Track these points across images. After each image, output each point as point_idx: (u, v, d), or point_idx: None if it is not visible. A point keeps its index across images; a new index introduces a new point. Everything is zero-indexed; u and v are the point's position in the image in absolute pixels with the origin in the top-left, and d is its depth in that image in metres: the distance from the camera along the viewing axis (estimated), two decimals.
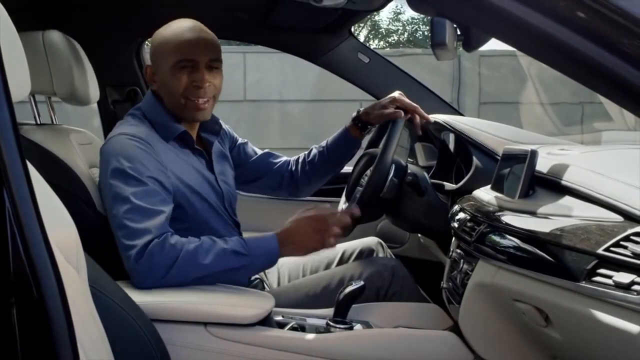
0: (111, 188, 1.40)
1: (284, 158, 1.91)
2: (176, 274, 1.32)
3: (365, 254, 1.84)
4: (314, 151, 1.87)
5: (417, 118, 1.74)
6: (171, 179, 1.46)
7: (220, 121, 1.69)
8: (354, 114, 1.81)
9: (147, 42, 2.39)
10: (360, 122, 1.80)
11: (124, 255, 1.36)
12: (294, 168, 1.88)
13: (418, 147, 2.13)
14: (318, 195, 1.94)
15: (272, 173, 1.87)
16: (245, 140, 1.88)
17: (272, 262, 1.44)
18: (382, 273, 1.64)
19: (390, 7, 14.07)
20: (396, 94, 1.74)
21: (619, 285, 0.85)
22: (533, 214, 1.13)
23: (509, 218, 1.17)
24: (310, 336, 1.34)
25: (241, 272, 1.39)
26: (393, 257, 1.86)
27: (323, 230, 1.41)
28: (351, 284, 1.39)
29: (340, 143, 1.83)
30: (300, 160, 1.88)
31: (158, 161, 1.45)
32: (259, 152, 1.88)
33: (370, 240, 1.90)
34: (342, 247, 1.87)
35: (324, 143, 1.87)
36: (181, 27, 1.53)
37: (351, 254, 1.84)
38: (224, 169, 1.70)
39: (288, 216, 1.44)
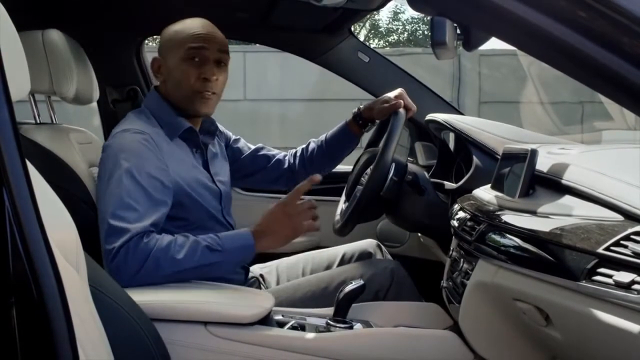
0: (108, 183, 1.40)
1: (277, 152, 1.92)
2: (150, 269, 1.30)
3: (364, 257, 1.85)
4: (312, 145, 1.89)
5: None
6: (171, 177, 1.46)
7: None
8: (355, 110, 1.82)
9: (146, 41, 2.39)
10: (362, 119, 1.80)
11: (103, 250, 1.34)
12: (292, 162, 1.89)
13: (418, 146, 2.13)
14: (318, 194, 1.94)
15: (269, 168, 1.89)
16: (238, 137, 1.90)
17: (247, 257, 1.42)
18: (381, 276, 1.64)
19: (390, 6, 14.05)
20: (399, 90, 1.75)
21: (619, 285, 0.84)
22: (533, 213, 1.13)
23: (509, 217, 1.17)
24: (310, 335, 1.34)
25: (215, 267, 1.36)
26: (391, 259, 1.87)
27: (295, 214, 1.40)
28: (351, 283, 1.40)
29: (339, 138, 1.84)
30: (298, 154, 1.89)
31: (159, 159, 1.45)
32: (252, 147, 1.90)
33: (369, 243, 1.91)
34: (342, 249, 1.88)
35: (322, 137, 1.88)
36: (192, 21, 1.57)
37: (351, 257, 1.85)
38: (220, 169, 1.71)
39: None
